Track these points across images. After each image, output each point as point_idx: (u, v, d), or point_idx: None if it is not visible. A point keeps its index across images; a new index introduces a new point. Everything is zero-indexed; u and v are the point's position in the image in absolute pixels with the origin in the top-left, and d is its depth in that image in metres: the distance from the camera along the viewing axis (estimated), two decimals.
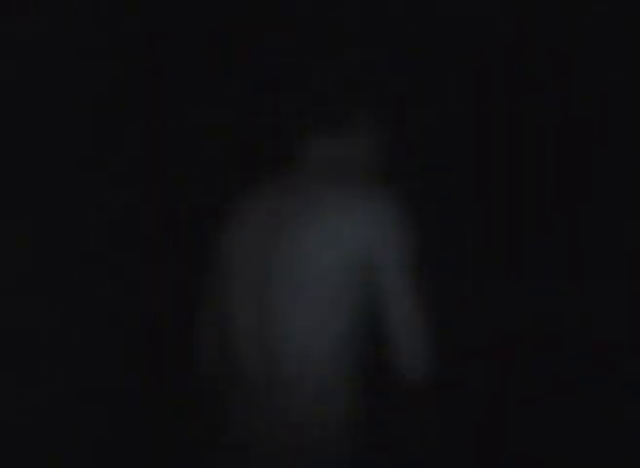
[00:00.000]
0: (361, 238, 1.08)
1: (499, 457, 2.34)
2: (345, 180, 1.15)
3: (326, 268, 1.07)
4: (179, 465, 2.53)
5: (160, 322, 3.13)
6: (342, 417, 1.08)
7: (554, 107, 3.11)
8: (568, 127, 3.13)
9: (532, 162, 3.11)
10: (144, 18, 3.16)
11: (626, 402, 2.65)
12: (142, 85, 3.25)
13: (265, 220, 1.16)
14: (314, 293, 1.07)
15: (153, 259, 3.25)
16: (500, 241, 2.98)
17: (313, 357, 1.07)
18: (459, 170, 3.00)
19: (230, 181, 2.83)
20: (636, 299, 2.87)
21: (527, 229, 3.11)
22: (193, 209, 3.22)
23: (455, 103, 3.06)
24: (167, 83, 3.31)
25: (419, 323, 1.07)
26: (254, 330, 1.10)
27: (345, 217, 1.08)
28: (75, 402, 2.88)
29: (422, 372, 1.06)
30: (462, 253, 2.74)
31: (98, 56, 3.06)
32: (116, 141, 3.28)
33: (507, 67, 3.17)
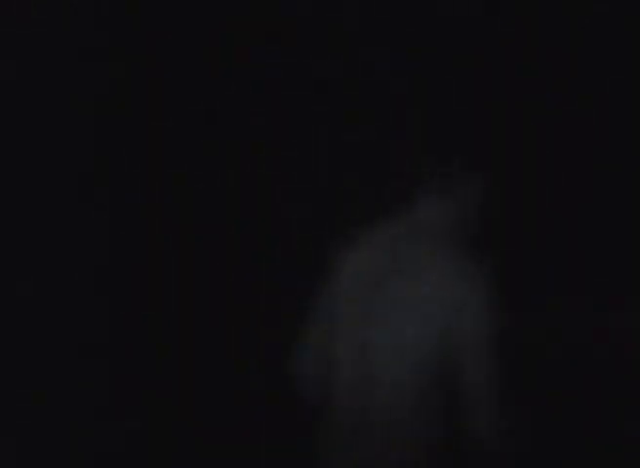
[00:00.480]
0: (450, 296, 1.19)
1: None
2: (445, 240, 1.26)
3: (418, 319, 1.19)
4: None
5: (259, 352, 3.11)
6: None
7: (554, 107, 3.11)
8: (570, 127, 3.13)
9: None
10: (144, 18, 3.16)
11: None
12: (142, 85, 3.25)
13: (368, 269, 1.27)
14: (405, 339, 1.19)
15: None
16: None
17: (402, 400, 1.19)
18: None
19: (334, 231, 2.86)
20: None
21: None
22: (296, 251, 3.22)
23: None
24: (168, 83, 3.31)
25: (496, 388, 1.17)
26: (352, 361, 1.24)
27: (438, 276, 1.19)
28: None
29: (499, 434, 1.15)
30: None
31: (98, 56, 3.06)
32: (117, 143, 3.28)
33: (507, 67, 3.17)
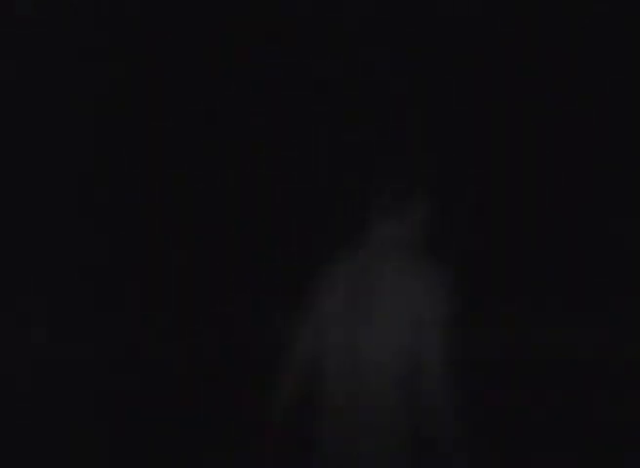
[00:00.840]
0: (413, 302, 1.45)
1: None
2: (404, 256, 1.51)
3: (390, 321, 1.44)
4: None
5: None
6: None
7: (554, 107, 3.11)
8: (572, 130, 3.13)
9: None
10: (144, 18, 3.16)
11: None
12: (143, 85, 3.25)
13: (346, 284, 1.50)
14: (380, 339, 1.44)
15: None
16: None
17: (379, 377, 1.44)
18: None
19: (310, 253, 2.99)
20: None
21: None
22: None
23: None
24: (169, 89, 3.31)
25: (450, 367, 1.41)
26: (340, 360, 1.47)
27: (404, 286, 1.45)
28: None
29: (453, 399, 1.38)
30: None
31: (98, 56, 3.05)
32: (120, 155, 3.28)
33: (507, 67, 3.18)
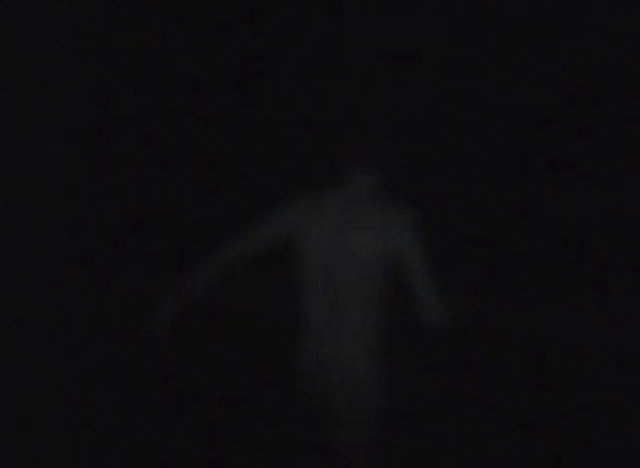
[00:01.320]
0: (391, 237, 1.67)
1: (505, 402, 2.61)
2: (381, 197, 1.69)
3: (368, 255, 1.67)
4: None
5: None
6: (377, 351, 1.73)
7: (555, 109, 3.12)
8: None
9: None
10: (144, 17, 3.15)
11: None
12: (143, 85, 3.24)
13: (326, 224, 1.70)
14: (362, 270, 1.67)
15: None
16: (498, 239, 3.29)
17: (362, 305, 1.71)
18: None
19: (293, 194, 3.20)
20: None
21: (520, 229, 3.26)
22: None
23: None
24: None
25: (433, 287, 1.70)
26: (319, 294, 1.72)
27: (381, 224, 1.67)
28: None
29: (437, 319, 1.69)
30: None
31: (97, 55, 3.04)
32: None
33: (507, 66, 3.19)
